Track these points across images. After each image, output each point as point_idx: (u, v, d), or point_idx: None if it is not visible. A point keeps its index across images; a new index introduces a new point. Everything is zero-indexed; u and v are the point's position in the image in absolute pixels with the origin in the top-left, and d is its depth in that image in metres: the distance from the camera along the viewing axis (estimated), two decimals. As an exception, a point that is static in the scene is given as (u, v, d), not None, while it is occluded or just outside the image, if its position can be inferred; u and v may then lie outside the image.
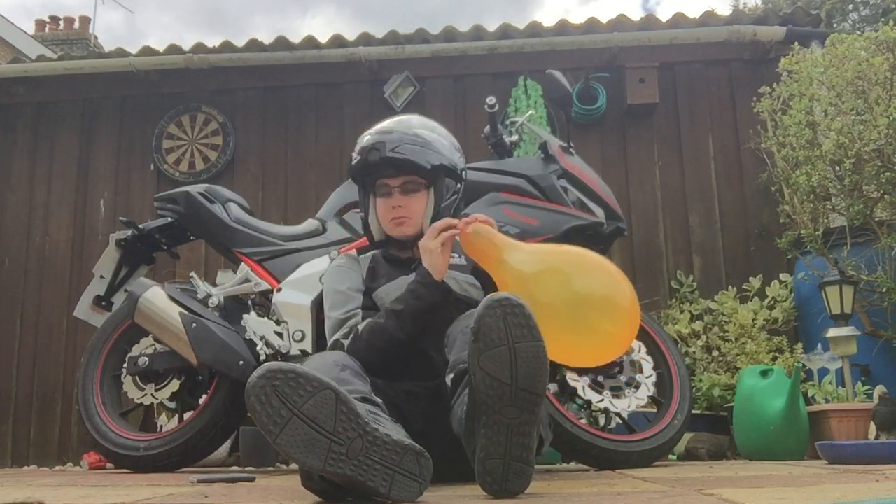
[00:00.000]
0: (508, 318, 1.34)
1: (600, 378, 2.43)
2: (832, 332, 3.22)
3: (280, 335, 2.57)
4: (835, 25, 10.72)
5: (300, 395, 1.23)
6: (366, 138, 2.04)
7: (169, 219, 2.84)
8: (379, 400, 1.58)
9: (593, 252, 1.76)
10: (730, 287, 4.14)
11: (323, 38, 4.79)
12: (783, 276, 4.07)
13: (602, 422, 2.62)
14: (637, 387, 2.43)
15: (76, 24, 10.11)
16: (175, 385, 2.72)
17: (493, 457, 1.34)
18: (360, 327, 1.86)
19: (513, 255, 1.73)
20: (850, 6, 12.28)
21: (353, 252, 2.14)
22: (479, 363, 1.33)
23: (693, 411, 2.72)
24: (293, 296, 2.58)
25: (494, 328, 1.33)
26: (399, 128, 2.04)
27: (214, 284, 2.76)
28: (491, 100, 2.57)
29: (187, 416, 2.71)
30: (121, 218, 3.14)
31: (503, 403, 1.33)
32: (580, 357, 1.75)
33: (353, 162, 2.03)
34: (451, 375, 1.61)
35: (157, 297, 2.62)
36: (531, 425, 1.35)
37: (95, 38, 10.09)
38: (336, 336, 1.92)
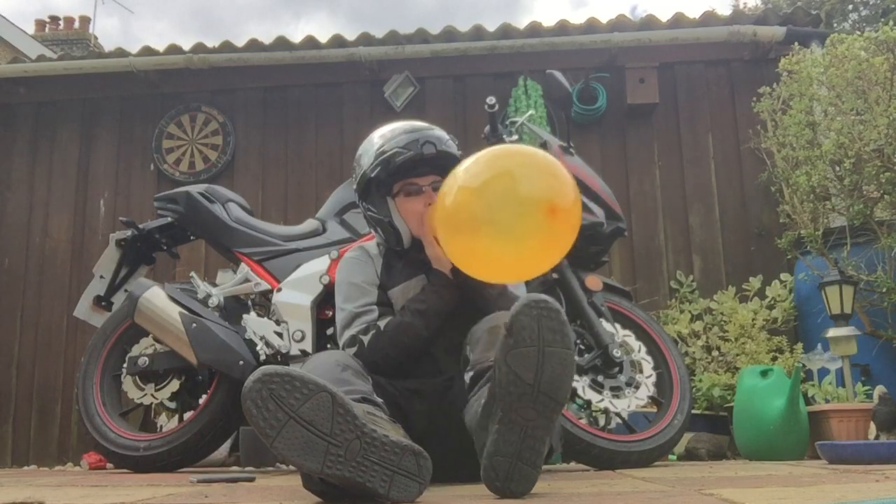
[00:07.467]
0: (542, 321, 1.34)
1: (600, 378, 2.43)
2: (832, 332, 3.22)
3: (280, 335, 2.57)
4: (835, 25, 10.70)
5: (296, 399, 1.23)
6: (410, 136, 1.95)
7: (169, 219, 2.84)
8: (380, 400, 1.58)
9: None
10: (730, 287, 4.13)
11: (323, 39, 4.79)
12: (783, 276, 4.07)
13: (602, 422, 2.62)
14: (637, 387, 2.43)
15: (76, 25, 10.09)
16: (175, 385, 2.73)
17: (503, 454, 1.34)
18: (384, 324, 1.85)
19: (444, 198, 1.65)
20: (850, 6, 12.28)
21: (369, 245, 2.07)
22: (506, 359, 1.34)
23: (693, 411, 2.72)
24: (293, 296, 2.58)
25: (527, 327, 1.34)
26: (430, 126, 2.02)
27: (214, 284, 2.76)
28: (491, 100, 2.57)
29: (187, 416, 2.71)
30: (121, 218, 3.14)
31: (522, 403, 1.33)
32: (517, 269, 1.67)
33: (400, 158, 1.91)
34: (471, 373, 1.62)
35: (157, 297, 2.63)
36: (546, 430, 1.35)
37: (95, 38, 10.06)
38: (352, 332, 1.87)
